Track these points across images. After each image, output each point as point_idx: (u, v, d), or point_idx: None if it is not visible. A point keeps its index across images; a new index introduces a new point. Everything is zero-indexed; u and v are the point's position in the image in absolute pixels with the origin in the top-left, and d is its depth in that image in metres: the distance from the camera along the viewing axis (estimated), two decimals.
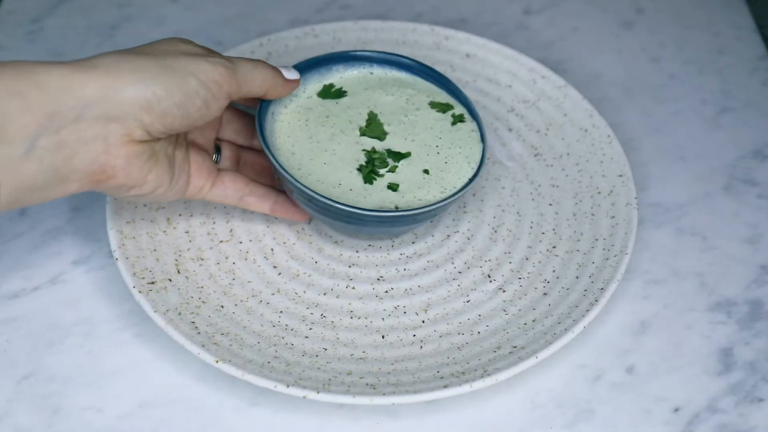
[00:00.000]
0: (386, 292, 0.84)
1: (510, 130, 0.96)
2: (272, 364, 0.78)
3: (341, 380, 0.77)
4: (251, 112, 0.88)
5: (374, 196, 0.81)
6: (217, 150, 0.85)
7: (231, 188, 0.83)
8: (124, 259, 0.83)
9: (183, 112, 0.74)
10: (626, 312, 0.86)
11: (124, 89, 0.71)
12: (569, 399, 0.80)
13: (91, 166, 0.72)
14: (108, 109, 0.71)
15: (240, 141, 0.87)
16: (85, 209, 0.92)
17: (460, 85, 0.99)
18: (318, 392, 0.75)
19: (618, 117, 1.01)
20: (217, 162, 0.85)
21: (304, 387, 0.75)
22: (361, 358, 0.80)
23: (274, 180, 0.88)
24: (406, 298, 0.84)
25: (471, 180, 0.82)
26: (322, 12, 1.11)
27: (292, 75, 0.83)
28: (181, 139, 0.80)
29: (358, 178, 0.82)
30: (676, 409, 0.79)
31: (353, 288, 0.85)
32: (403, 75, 0.90)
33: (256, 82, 0.79)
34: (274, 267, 0.86)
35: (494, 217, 0.90)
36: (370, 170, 0.83)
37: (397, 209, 0.80)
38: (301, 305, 0.83)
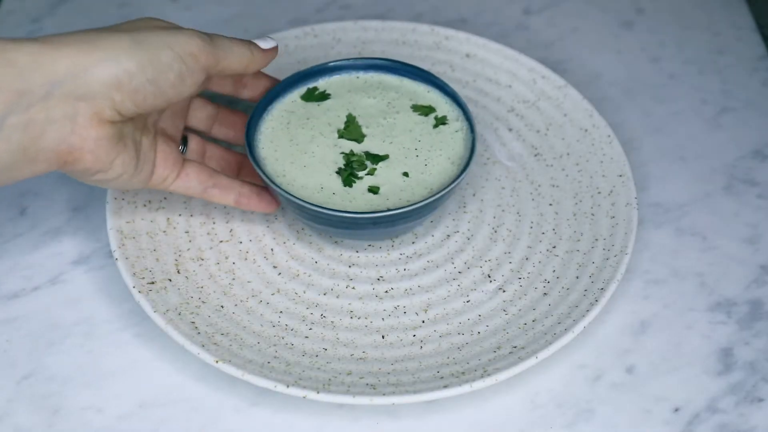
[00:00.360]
0: (386, 292, 0.84)
1: (510, 130, 0.96)
2: (272, 364, 0.78)
3: (341, 380, 0.77)
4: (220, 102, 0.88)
5: (358, 200, 0.81)
6: (184, 141, 0.85)
7: (195, 180, 0.82)
8: (124, 259, 0.83)
9: (156, 88, 0.73)
10: (626, 312, 0.86)
11: (95, 67, 0.70)
12: (569, 399, 0.80)
13: (59, 146, 0.71)
14: (77, 87, 0.70)
15: (207, 129, 0.87)
16: (85, 209, 0.92)
17: (460, 85, 0.99)
18: (318, 392, 0.75)
19: (618, 117, 1.01)
20: (183, 152, 0.84)
21: (304, 387, 0.75)
22: (361, 358, 0.80)
23: (238, 174, 0.88)
24: (406, 298, 0.84)
25: (460, 175, 0.82)
26: (322, 12, 1.11)
27: (268, 44, 0.82)
28: (149, 126, 0.79)
29: (338, 182, 0.82)
30: (676, 409, 0.79)
31: (353, 288, 0.85)
32: (389, 78, 0.90)
33: (234, 57, 0.78)
34: (274, 267, 0.86)
35: (494, 217, 0.90)
36: (349, 173, 0.83)
37: (388, 210, 0.80)
38: (301, 305, 0.83)
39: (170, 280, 0.83)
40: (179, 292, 0.82)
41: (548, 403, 0.80)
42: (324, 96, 0.88)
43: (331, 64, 0.90)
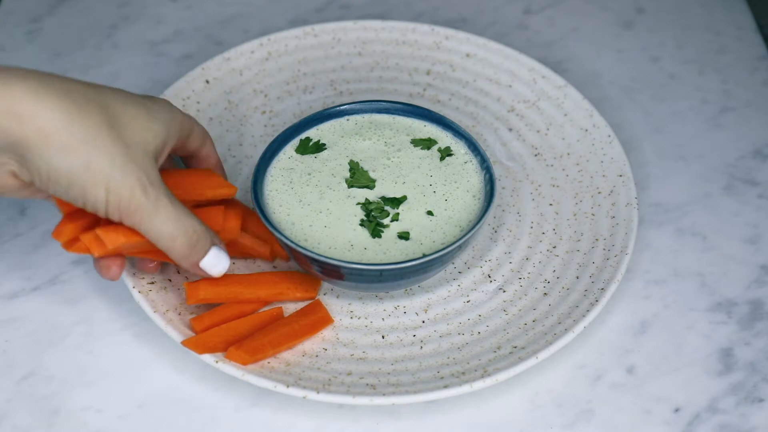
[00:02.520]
0: (386, 291, 0.84)
1: (510, 130, 0.96)
2: (272, 364, 0.78)
3: (341, 380, 0.77)
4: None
5: (392, 250, 0.79)
6: None
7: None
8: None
9: (66, 195, 0.71)
10: (626, 312, 0.85)
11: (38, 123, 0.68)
12: (569, 399, 0.80)
13: None
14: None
15: None
16: None
17: (460, 85, 0.99)
18: (318, 392, 0.75)
19: (618, 117, 1.01)
20: None
21: (304, 387, 0.75)
22: (361, 358, 0.80)
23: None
24: (406, 298, 0.84)
25: (488, 207, 0.81)
26: (322, 12, 1.11)
27: (212, 268, 0.76)
28: None
29: (365, 234, 0.80)
30: (677, 410, 0.79)
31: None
32: (380, 117, 0.88)
33: (158, 242, 0.73)
34: (274, 267, 0.86)
35: (494, 217, 0.90)
36: (375, 224, 0.80)
37: (424, 255, 0.78)
38: (301, 305, 0.83)
39: (170, 280, 0.83)
40: (179, 292, 0.82)
41: (548, 404, 0.79)
42: (319, 146, 0.85)
43: (320, 112, 0.87)
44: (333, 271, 0.78)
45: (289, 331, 0.78)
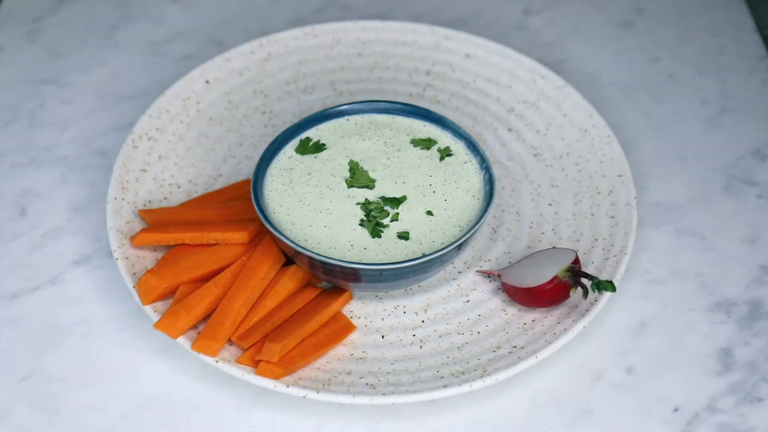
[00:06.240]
0: (386, 291, 0.84)
1: (510, 130, 0.96)
2: None
3: (341, 380, 0.77)
4: None
5: (392, 250, 0.80)
6: None
7: None
8: (124, 259, 0.83)
9: None
10: (626, 312, 0.86)
11: None
12: (569, 399, 0.80)
13: None
14: None
15: None
16: (85, 209, 0.92)
17: (460, 86, 0.99)
18: (318, 392, 0.75)
19: (618, 117, 1.01)
20: None
21: (304, 387, 0.76)
22: (361, 358, 0.80)
23: None
24: (406, 298, 0.84)
25: (487, 207, 0.81)
26: (322, 12, 1.11)
27: None
28: None
29: (365, 234, 0.80)
30: (676, 409, 0.79)
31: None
32: (379, 117, 0.88)
33: None
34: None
35: (494, 217, 0.90)
36: (375, 224, 0.80)
37: (424, 255, 0.78)
38: None
39: None
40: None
41: (548, 403, 0.80)
42: (319, 146, 0.85)
43: (320, 112, 0.87)
44: (333, 271, 0.78)
45: (316, 341, 0.79)
